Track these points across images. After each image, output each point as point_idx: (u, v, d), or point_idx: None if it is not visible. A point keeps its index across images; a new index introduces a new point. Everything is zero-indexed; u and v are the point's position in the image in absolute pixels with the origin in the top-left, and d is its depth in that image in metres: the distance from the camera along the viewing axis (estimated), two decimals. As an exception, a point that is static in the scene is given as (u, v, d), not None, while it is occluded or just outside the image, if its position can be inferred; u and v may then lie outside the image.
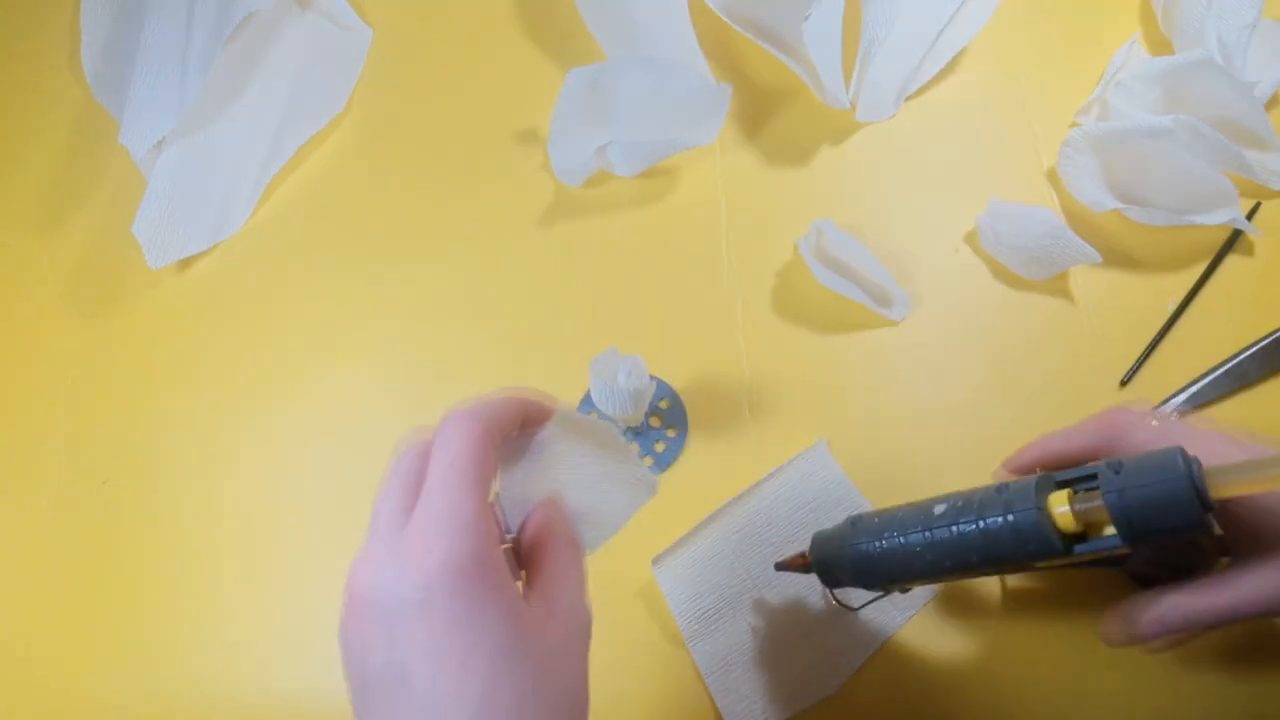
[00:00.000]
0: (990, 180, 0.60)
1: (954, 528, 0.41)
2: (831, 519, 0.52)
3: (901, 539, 0.42)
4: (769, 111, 0.63)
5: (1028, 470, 0.44)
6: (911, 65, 0.61)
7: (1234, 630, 0.47)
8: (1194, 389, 0.53)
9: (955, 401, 0.54)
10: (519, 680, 0.27)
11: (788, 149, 0.62)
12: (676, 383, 0.56)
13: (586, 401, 0.54)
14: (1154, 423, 0.40)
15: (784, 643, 0.49)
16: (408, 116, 0.66)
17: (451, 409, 0.32)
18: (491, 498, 0.32)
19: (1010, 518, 0.39)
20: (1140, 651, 0.43)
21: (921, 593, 0.50)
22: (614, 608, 0.51)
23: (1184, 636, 0.42)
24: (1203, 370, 0.53)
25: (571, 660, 0.30)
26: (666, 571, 0.51)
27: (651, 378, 0.52)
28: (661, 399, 0.55)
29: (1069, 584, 0.49)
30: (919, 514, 0.42)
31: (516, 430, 0.34)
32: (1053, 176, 0.59)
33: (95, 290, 0.64)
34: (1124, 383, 0.53)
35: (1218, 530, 0.40)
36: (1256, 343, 0.53)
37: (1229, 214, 0.54)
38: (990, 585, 0.50)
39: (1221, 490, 0.36)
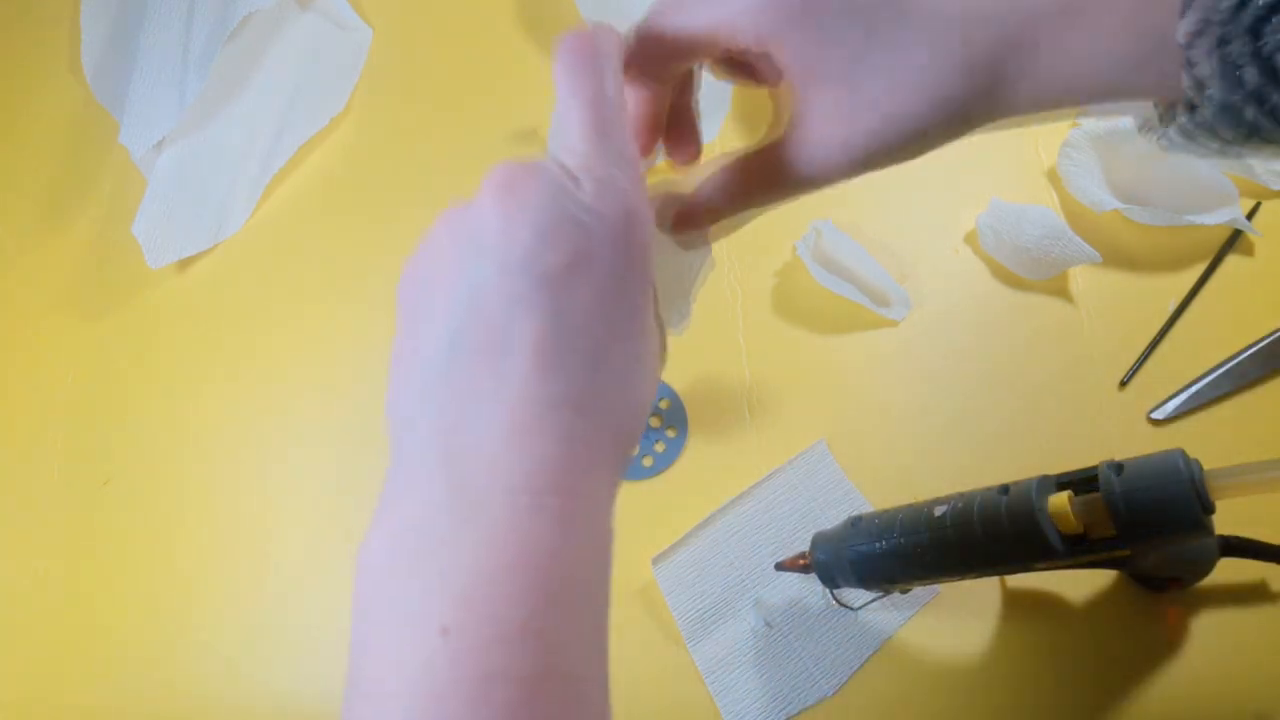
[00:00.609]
0: (990, 180, 0.60)
1: (954, 529, 0.41)
2: (831, 519, 0.52)
3: (901, 540, 0.42)
4: (769, 110, 0.63)
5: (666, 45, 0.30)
6: (912, 65, 0.61)
7: (1234, 628, 0.48)
8: (1194, 389, 0.53)
9: (955, 401, 0.54)
10: (636, 346, 0.27)
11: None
12: (677, 383, 0.56)
13: None
14: None
15: (784, 643, 0.50)
16: (407, 116, 0.66)
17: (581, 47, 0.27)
18: None
19: (1010, 519, 0.39)
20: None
21: (921, 593, 0.50)
22: (614, 608, 0.51)
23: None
24: (1203, 370, 0.53)
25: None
26: (667, 571, 0.51)
27: None
28: (661, 399, 0.55)
29: (1069, 583, 0.49)
30: (919, 515, 0.42)
31: None
32: (1053, 176, 0.59)
33: (95, 290, 0.64)
34: (1124, 383, 0.53)
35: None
36: (1256, 343, 0.53)
37: (1229, 214, 0.54)
38: (990, 585, 0.50)
39: (1222, 492, 0.36)
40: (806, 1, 0.27)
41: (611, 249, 0.26)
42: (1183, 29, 0.24)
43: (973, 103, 0.27)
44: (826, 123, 0.28)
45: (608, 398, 0.26)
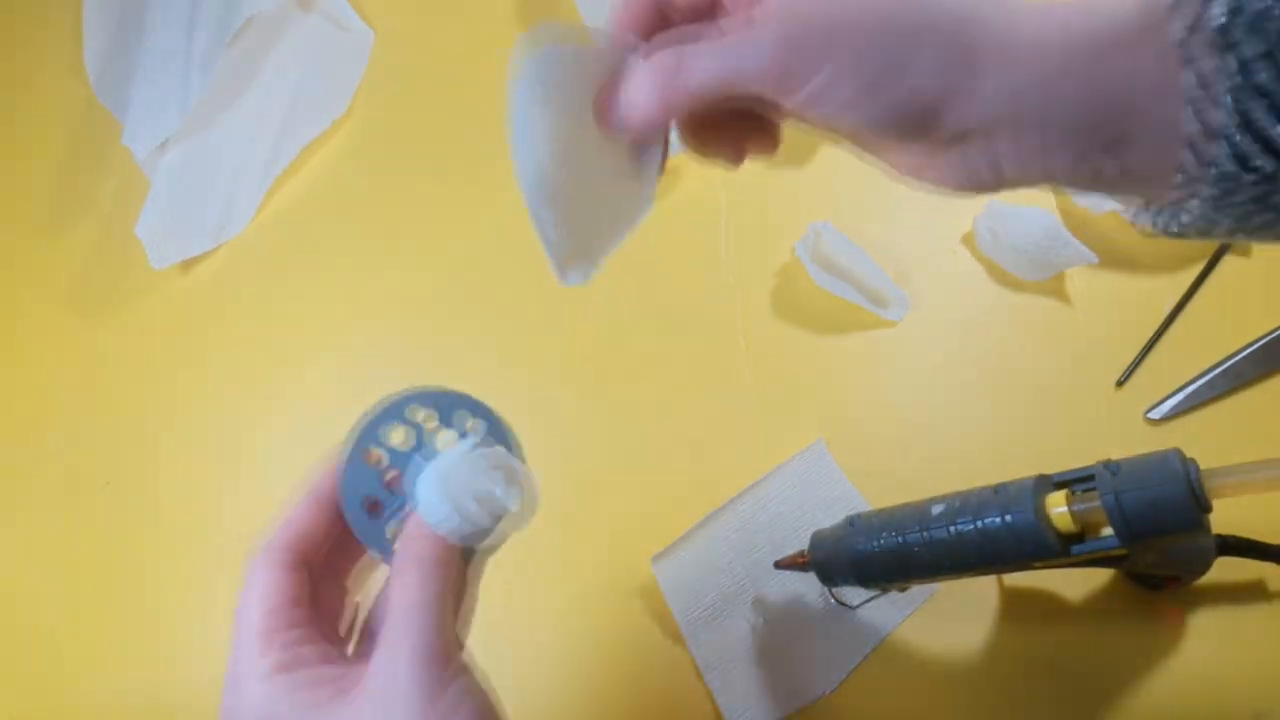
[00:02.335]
0: (989, 181, 0.60)
1: (951, 528, 0.41)
2: (830, 518, 0.52)
3: (899, 538, 0.43)
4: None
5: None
6: (910, 67, 0.61)
7: (1231, 627, 0.48)
8: (1191, 389, 0.53)
9: (952, 402, 0.55)
10: None
11: (787, 149, 0.62)
12: (676, 382, 0.56)
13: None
14: None
15: (783, 641, 0.50)
16: (409, 117, 0.67)
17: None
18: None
19: (1007, 518, 0.39)
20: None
21: (919, 591, 0.50)
22: (614, 607, 0.52)
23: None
24: (1199, 370, 0.53)
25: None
26: (666, 570, 0.51)
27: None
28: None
29: (1066, 582, 0.50)
30: (917, 514, 0.43)
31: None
32: (1051, 178, 0.59)
33: (98, 291, 0.64)
34: (1120, 383, 0.54)
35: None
36: (1253, 343, 0.54)
37: (1226, 215, 0.54)
38: (988, 584, 0.50)
39: (1219, 491, 0.36)
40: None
41: None
42: (1175, 28, 0.24)
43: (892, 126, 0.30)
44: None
45: None
